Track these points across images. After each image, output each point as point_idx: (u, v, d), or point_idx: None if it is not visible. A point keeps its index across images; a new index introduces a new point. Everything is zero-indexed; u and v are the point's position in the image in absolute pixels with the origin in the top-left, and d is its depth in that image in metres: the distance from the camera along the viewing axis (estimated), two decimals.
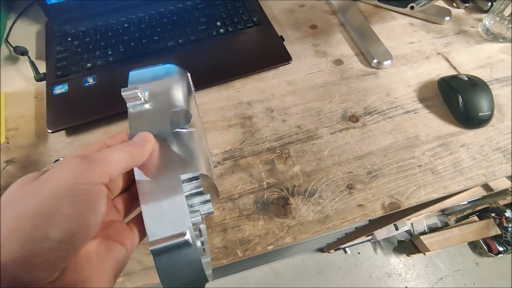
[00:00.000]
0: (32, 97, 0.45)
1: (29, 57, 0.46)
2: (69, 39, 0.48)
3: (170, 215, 0.19)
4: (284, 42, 0.47)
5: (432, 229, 1.28)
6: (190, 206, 0.24)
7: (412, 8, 0.48)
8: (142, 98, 0.24)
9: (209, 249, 0.29)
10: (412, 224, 1.26)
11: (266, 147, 0.39)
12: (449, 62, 0.47)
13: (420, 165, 0.37)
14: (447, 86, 0.42)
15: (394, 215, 0.63)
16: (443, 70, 0.46)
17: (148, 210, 0.19)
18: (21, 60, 0.49)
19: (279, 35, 0.48)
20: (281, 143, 0.40)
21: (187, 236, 0.18)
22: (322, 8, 0.55)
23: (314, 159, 0.38)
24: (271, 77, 0.46)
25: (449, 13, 0.51)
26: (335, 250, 1.28)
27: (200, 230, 0.24)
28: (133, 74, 0.27)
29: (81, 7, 0.51)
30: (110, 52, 0.46)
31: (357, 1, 0.55)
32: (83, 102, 0.42)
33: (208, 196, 0.25)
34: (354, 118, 0.41)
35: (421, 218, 1.22)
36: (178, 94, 0.27)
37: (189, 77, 0.32)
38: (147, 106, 0.25)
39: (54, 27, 0.50)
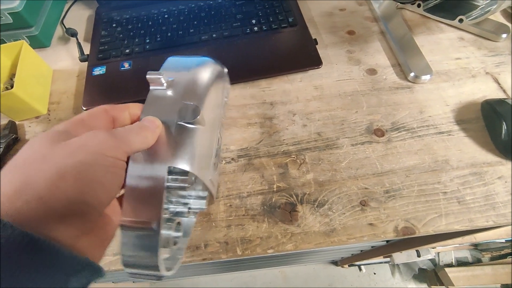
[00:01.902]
0: (75, 76, 0.49)
1: (77, 39, 0.50)
2: (114, 25, 0.51)
3: (146, 202, 0.20)
4: (317, 46, 0.46)
5: (461, 263, 1.17)
6: (182, 197, 0.25)
7: (460, 21, 0.44)
8: (165, 85, 0.25)
9: (184, 245, 0.29)
10: (438, 253, 1.17)
11: (282, 150, 0.39)
12: (498, 83, 0.42)
13: (445, 192, 0.34)
14: (491, 110, 0.38)
15: (415, 241, 0.59)
16: (490, 92, 0.42)
17: (129, 192, 0.20)
18: (71, 41, 0.54)
19: (313, 38, 0.47)
20: (298, 148, 0.39)
21: (153, 225, 0.20)
22: (363, 14, 0.53)
23: (329, 169, 0.37)
24: (298, 80, 0.45)
25: (507, 30, 0.46)
26: (349, 266, 1.23)
27: (179, 223, 0.25)
28: (170, 60, 0.29)
29: None
30: (147, 40, 0.48)
31: (402, 9, 0.51)
32: (117, 84, 0.44)
33: (204, 193, 0.25)
34: (379, 132, 0.39)
35: (449, 248, 1.13)
36: (198, 88, 0.27)
37: (226, 75, 0.32)
38: (166, 92, 0.26)
39: (102, 13, 0.53)
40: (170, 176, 0.23)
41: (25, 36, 0.50)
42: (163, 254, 0.26)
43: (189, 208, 0.26)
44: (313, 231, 0.33)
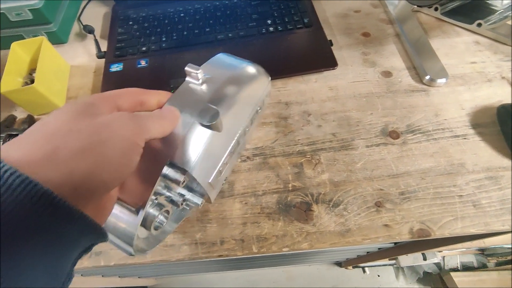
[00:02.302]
0: (92, 72, 0.50)
1: (94, 36, 0.51)
2: (130, 22, 0.52)
3: (141, 183, 0.22)
4: (332, 47, 0.46)
5: (466, 268, 1.17)
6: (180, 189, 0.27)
7: (479, 25, 0.44)
8: (200, 80, 0.26)
9: (171, 230, 0.30)
10: (443, 257, 1.17)
11: (297, 150, 0.39)
12: None
13: (461, 195, 0.35)
14: (507, 114, 0.38)
15: (423, 244, 0.59)
16: (506, 97, 0.42)
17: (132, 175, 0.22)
18: (88, 37, 0.55)
19: (328, 39, 0.47)
20: (313, 148, 0.39)
21: (139, 205, 0.21)
22: (378, 16, 0.53)
23: (344, 170, 0.37)
24: (313, 80, 0.45)
25: None
26: (353, 267, 1.23)
27: (167, 211, 0.26)
28: (219, 56, 0.30)
29: None
30: (164, 39, 0.49)
31: (418, 12, 0.51)
32: (134, 81, 0.45)
33: (202, 193, 0.26)
34: (394, 134, 0.39)
35: (455, 253, 1.13)
36: (230, 94, 0.27)
37: (268, 84, 0.33)
38: (198, 88, 0.26)
39: (119, 11, 0.54)
40: (170, 168, 0.23)
41: (44, 32, 0.51)
42: (142, 233, 0.27)
43: (184, 200, 0.27)
44: (328, 230, 0.33)
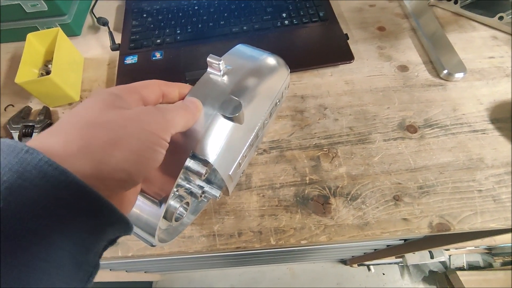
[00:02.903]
0: (106, 64, 0.50)
1: (108, 28, 0.51)
2: (144, 15, 0.52)
3: (164, 174, 0.22)
4: (348, 41, 0.46)
5: (472, 267, 1.16)
6: (200, 180, 0.27)
7: (501, 18, 0.43)
8: (221, 72, 0.25)
9: (189, 221, 0.31)
10: (450, 256, 1.16)
11: (313, 143, 0.39)
12: None
13: (480, 190, 0.34)
14: None
15: (434, 240, 0.59)
16: None
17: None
18: (101, 30, 0.55)
19: (344, 33, 0.47)
20: (329, 141, 0.39)
21: (162, 197, 0.22)
22: (394, 10, 0.52)
23: (362, 164, 0.37)
24: (329, 74, 0.45)
25: None
26: (358, 265, 1.23)
27: (188, 202, 0.26)
28: (238, 47, 0.30)
29: None
30: (178, 31, 0.49)
31: (434, 6, 0.51)
32: (149, 74, 0.45)
33: (221, 185, 0.26)
34: (412, 129, 0.39)
35: (461, 252, 1.12)
36: (251, 86, 0.27)
37: (288, 76, 0.32)
38: (220, 79, 0.26)
39: (133, 4, 0.54)
40: (192, 160, 0.23)
41: (58, 24, 0.51)
42: (163, 225, 0.27)
43: (203, 192, 0.27)
44: (347, 224, 0.33)
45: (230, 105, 0.24)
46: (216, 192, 0.28)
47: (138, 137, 0.17)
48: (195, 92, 0.25)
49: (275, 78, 0.31)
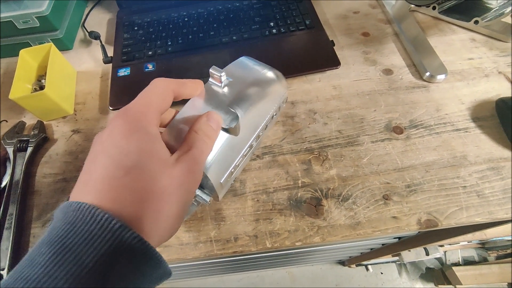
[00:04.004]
0: (99, 77, 0.50)
1: (100, 41, 0.52)
2: (135, 28, 0.53)
3: None
4: (334, 47, 0.48)
5: (467, 262, 1.18)
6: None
7: (476, 22, 0.46)
8: (222, 84, 0.27)
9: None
10: (445, 252, 1.18)
11: (305, 147, 0.40)
12: (511, 82, 0.44)
13: (465, 186, 0.36)
14: (506, 107, 0.39)
15: (427, 237, 0.60)
16: (503, 91, 0.43)
17: None
18: (93, 43, 0.55)
19: (330, 39, 0.48)
20: (320, 145, 0.40)
21: None
22: (377, 16, 0.54)
23: (352, 165, 0.38)
24: (317, 80, 0.47)
25: None
26: (356, 265, 1.24)
27: None
28: (241, 60, 0.31)
29: (148, 0, 0.56)
30: (169, 43, 0.50)
31: (414, 11, 0.53)
32: (142, 85, 0.45)
33: (212, 190, 0.27)
34: (398, 130, 0.41)
35: (456, 247, 1.14)
36: (248, 97, 0.28)
37: (286, 91, 0.33)
38: (220, 90, 0.27)
39: (123, 17, 0.55)
40: None
41: (50, 39, 0.51)
42: None
43: (194, 196, 0.28)
44: (339, 224, 0.34)
45: (228, 116, 0.25)
46: (207, 197, 0.29)
47: (184, 201, 0.19)
48: (196, 101, 0.26)
49: (273, 92, 0.32)
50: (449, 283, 1.12)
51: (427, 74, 0.44)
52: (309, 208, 0.36)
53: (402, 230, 0.34)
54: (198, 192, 0.29)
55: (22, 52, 0.45)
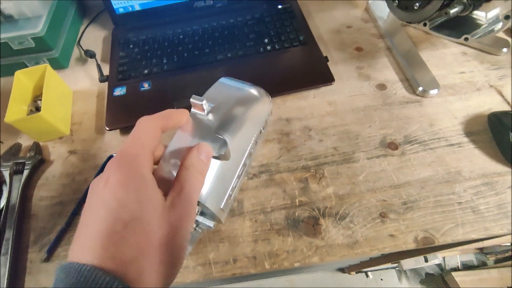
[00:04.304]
0: (95, 96, 0.50)
1: (96, 60, 0.52)
2: (131, 46, 0.53)
3: None
4: (328, 63, 0.48)
5: (467, 267, 1.19)
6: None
7: (466, 39, 0.47)
8: (205, 112, 0.27)
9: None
10: (444, 258, 1.18)
11: (301, 165, 0.40)
12: (502, 96, 0.45)
13: (460, 202, 0.36)
14: (498, 122, 0.40)
15: (425, 249, 0.61)
16: (495, 105, 0.44)
17: None
18: (88, 61, 0.56)
19: (324, 55, 0.49)
20: (316, 162, 0.40)
21: None
22: (369, 31, 0.55)
23: (348, 183, 0.38)
24: (312, 96, 0.47)
25: (507, 44, 0.48)
26: (356, 273, 1.24)
27: None
28: (221, 81, 0.31)
29: (144, 18, 0.57)
30: (165, 61, 0.50)
31: (406, 26, 0.54)
32: (138, 104, 0.46)
33: (213, 217, 0.27)
34: (393, 146, 0.41)
35: (455, 253, 1.15)
36: (234, 121, 0.28)
37: (270, 104, 0.33)
38: (205, 118, 0.27)
39: (119, 35, 0.55)
40: None
41: (46, 59, 0.52)
42: None
43: (197, 224, 0.28)
44: (337, 243, 0.35)
45: (216, 144, 0.26)
46: (210, 223, 0.29)
47: (184, 242, 0.20)
48: (182, 134, 0.26)
49: (258, 109, 0.32)
50: None
51: (420, 89, 0.45)
52: (307, 227, 0.36)
53: (399, 248, 0.34)
54: (201, 219, 0.29)
55: (18, 73, 0.45)
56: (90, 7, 0.64)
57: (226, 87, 0.32)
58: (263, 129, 0.34)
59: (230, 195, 0.29)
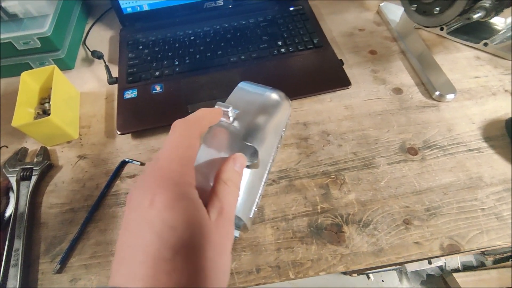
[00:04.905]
0: (103, 98, 0.49)
1: (104, 61, 0.50)
2: (140, 47, 0.52)
3: None
4: (343, 66, 0.48)
5: (466, 267, 1.20)
6: None
7: (485, 44, 0.47)
8: (231, 118, 0.26)
9: None
10: (445, 259, 1.19)
11: (321, 171, 0.40)
12: None
13: (483, 209, 0.36)
14: None
15: None
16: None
17: None
18: (95, 62, 0.54)
19: (339, 58, 0.48)
20: (336, 168, 0.40)
21: None
22: (382, 34, 0.55)
23: (370, 189, 0.38)
24: (328, 100, 0.46)
25: None
26: (358, 274, 1.24)
27: None
28: (241, 87, 0.30)
29: (152, 18, 0.55)
30: (176, 63, 0.49)
31: (419, 29, 0.54)
32: (150, 108, 0.44)
33: (240, 224, 0.26)
34: (412, 151, 0.41)
35: (456, 254, 1.15)
36: (259, 125, 0.27)
37: (289, 109, 0.32)
38: (231, 126, 0.26)
39: (127, 35, 0.54)
40: None
41: (52, 59, 0.50)
42: None
43: None
44: (362, 251, 0.34)
45: (246, 153, 0.25)
46: (236, 233, 0.28)
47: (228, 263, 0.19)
48: (209, 142, 0.25)
49: (280, 113, 0.31)
50: None
51: (437, 93, 0.45)
52: (330, 235, 0.35)
53: (425, 256, 0.34)
54: None
55: (24, 75, 0.43)
56: (95, 6, 0.62)
57: (247, 92, 0.31)
58: (283, 133, 0.33)
59: (257, 203, 0.28)
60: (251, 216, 0.27)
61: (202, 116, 0.23)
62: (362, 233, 0.35)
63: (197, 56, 0.49)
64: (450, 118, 0.44)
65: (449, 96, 0.44)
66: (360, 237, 0.35)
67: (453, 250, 0.33)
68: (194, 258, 0.16)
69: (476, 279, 1.08)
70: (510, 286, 1.08)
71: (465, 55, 0.51)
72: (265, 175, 0.29)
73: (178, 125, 0.21)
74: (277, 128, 0.31)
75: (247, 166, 0.25)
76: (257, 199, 0.27)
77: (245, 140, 0.25)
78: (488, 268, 1.12)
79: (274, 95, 0.31)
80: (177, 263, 0.15)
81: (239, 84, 0.32)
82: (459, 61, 0.50)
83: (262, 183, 0.28)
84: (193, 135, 0.20)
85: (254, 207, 0.27)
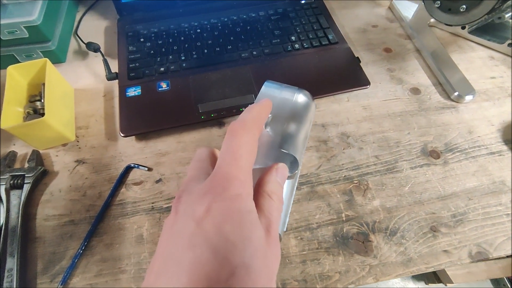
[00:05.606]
0: (101, 96, 0.44)
1: (102, 55, 0.46)
2: (142, 39, 0.47)
3: None
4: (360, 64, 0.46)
5: None
6: None
7: (510, 45, 0.46)
8: (265, 124, 0.23)
9: None
10: None
11: (343, 176, 0.38)
12: None
13: (508, 214, 0.35)
14: None
15: None
16: None
17: None
18: (89, 55, 0.49)
19: (356, 56, 0.46)
20: (358, 173, 0.38)
21: None
22: (396, 31, 0.53)
23: (394, 194, 0.36)
24: (345, 99, 0.44)
25: None
26: None
27: None
28: (267, 87, 0.27)
29: (153, 7, 0.51)
30: (183, 58, 0.45)
31: (433, 27, 0.53)
32: (157, 107, 0.41)
33: None
34: (435, 154, 0.39)
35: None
36: (293, 131, 0.25)
37: (315, 110, 0.30)
38: (265, 132, 0.24)
39: (126, 26, 0.49)
40: None
41: (40, 51, 0.44)
42: None
43: None
44: (391, 261, 0.32)
45: (286, 162, 0.22)
46: None
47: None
48: None
49: (309, 115, 0.29)
50: (439, 281, 1.16)
51: (456, 94, 0.43)
52: (357, 244, 0.33)
53: (454, 264, 0.33)
54: None
55: (10, 69, 0.38)
56: None
57: (275, 94, 0.28)
58: (308, 135, 0.31)
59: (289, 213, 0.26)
60: (285, 229, 0.24)
61: (258, 116, 0.20)
62: (389, 242, 0.33)
63: (205, 51, 0.46)
64: (470, 119, 0.43)
65: (468, 97, 0.43)
66: (387, 246, 0.33)
67: (481, 257, 0.33)
68: (250, 283, 0.13)
69: (465, 272, 1.11)
70: (498, 277, 1.13)
71: (479, 54, 0.50)
72: (296, 184, 0.26)
73: (236, 129, 0.18)
74: (307, 132, 0.29)
75: (288, 177, 0.22)
76: (289, 210, 0.25)
77: (281, 148, 0.23)
78: (477, 261, 1.16)
79: (302, 97, 0.29)
80: (232, 285, 0.13)
81: (264, 85, 0.29)
82: (474, 61, 0.49)
83: (293, 194, 0.26)
84: (253, 142, 0.18)
85: (287, 219, 0.25)
